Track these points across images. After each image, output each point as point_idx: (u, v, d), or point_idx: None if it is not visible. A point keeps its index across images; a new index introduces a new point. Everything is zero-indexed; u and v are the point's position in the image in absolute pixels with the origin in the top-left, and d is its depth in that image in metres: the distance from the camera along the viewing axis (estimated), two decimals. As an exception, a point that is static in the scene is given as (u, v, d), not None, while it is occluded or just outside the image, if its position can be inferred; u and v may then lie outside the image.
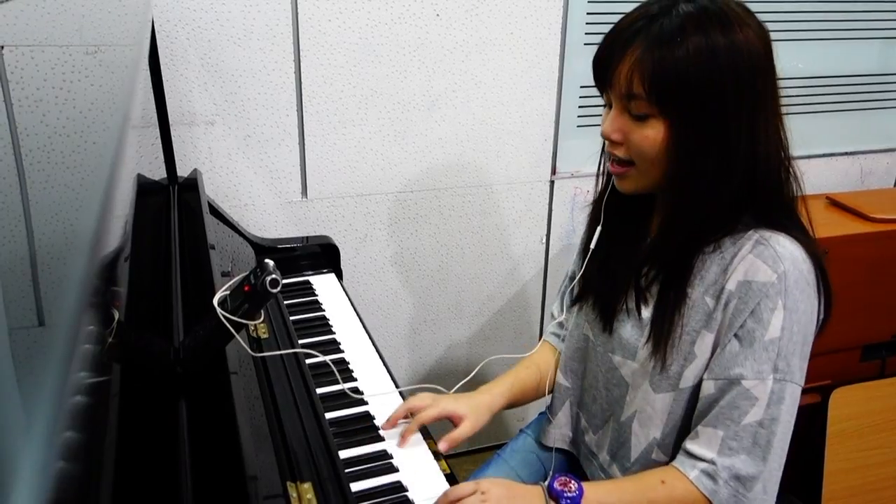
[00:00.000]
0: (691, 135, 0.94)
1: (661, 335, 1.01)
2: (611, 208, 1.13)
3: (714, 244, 0.99)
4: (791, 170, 1.01)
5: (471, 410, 1.15)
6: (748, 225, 0.98)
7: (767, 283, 0.94)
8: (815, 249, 0.99)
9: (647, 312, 1.05)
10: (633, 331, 1.08)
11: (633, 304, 1.07)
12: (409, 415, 1.16)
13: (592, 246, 1.15)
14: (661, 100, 0.93)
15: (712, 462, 0.97)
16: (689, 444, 1.00)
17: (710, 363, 0.99)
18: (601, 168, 1.14)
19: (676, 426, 1.05)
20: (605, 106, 1.03)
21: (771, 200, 0.99)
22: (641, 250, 1.09)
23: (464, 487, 1.00)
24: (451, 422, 1.16)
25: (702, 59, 0.91)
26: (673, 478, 0.99)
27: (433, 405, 1.15)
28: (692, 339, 1.00)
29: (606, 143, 1.02)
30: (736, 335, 0.96)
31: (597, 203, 1.16)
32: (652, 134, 0.95)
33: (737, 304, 0.96)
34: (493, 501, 0.97)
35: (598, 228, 1.14)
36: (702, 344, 1.00)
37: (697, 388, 1.02)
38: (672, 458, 1.06)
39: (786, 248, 0.95)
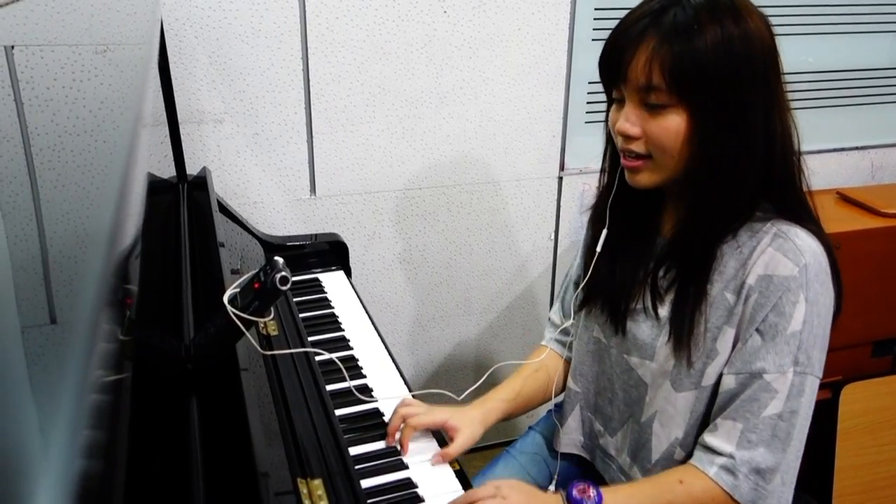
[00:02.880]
0: (711, 123, 0.94)
1: (683, 333, 1.01)
2: (617, 209, 1.11)
3: (731, 236, 0.98)
4: (799, 162, 1.01)
5: (465, 424, 1.13)
6: (765, 217, 0.98)
7: (789, 276, 0.94)
8: (829, 242, 0.99)
9: (663, 311, 1.04)
10: (650, 331, 1.07)
11: (649, 303, 1.06)
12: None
13: (599, 248, 1.13)
14: (680, 89, 0.93)
15: (731, 456, 0.96)
16: (708, 437, 0.99)
17: (731, 357, 0.99)
18: (604, 169, 1.12)
19: (698, 423, 1.04)
20: (613, 102, 1.02)
21: (785, 190, 0.99)
22: (654, 249, 1.08)
23: (485, 489, 0.99)
24: (445, 432, 1.14)
25: (719, 48, 0.91)
26: (691, 476, 0.99)
27: (427, 413, 1.13)
28: (714, 336, 1.00)
29: (619, 139, 1.00)
30: (758, 329, 0.96)
31: (599, 205, 1.15)
32: (672, 125, 0.95)
33: (757, 299, 0.96)
34: None
35: (604, 231, 1.12)
36: (723, 340, 0.99)
37: (719, 384, 1.01)
38: (692, 455, 1.05)
39: (805, 241, 0.95)
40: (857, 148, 2.40)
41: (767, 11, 1.00)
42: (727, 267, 0.99)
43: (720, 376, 1.00)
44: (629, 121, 0.97)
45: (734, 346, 0.99)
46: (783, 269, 0.94)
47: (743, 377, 0.97)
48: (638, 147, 0.98)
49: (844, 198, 2.17)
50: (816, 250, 0.96)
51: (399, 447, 1.11)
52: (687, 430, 1.05)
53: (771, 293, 0.95)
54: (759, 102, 0.94)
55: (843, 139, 2.37)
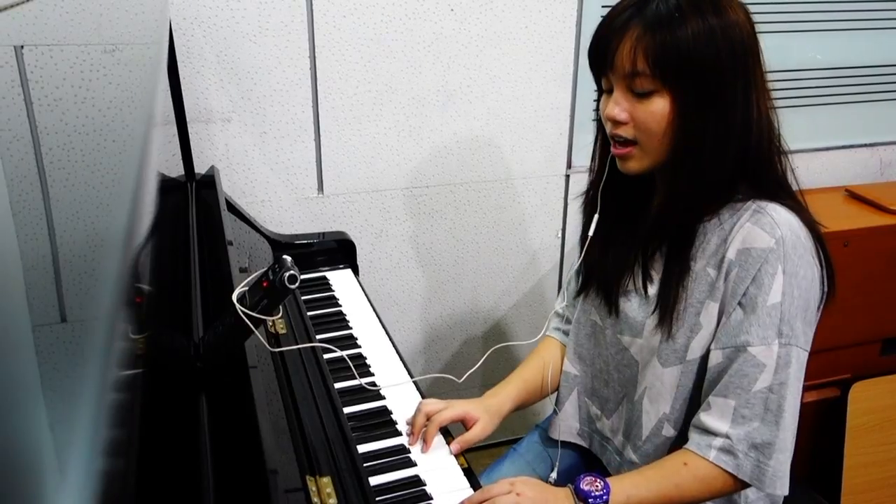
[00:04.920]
0: (693, 106, 0.98)
1: (667, 307, 1.04)
2: (608, 194, 1.14)
3: (713, 214, 1.02)
4: (779, 146, 1.04)
5: (483, 413, 1.16)
6: (746, 196, 1.02)
7: (766, 248, 0.97)
8: (810, 218, 1.02)
9: (653, 290, 1.08)
10: (639, 309, 1.10)
11: (640, 283, 1.09)
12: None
13: (591, 233, 1.17)
14: (664, 75, 0.97)
15: (727, 436, 0.99)
16: (703, 416, 1.01)
17: (717, 333, 1.01)
18: (595, 157, 1.17)
19: (685, 399, 1.07)
20: (603, 93, 1.06)
21: (763, 171, 1.02)
22: (644, 229, 1.11)
23: (499, 486, 1.01)
24: (463, 424, 1.17)
25: (701, 37, 0.95)
26: (695, 458, 1.01)
27: (449, 407, 1.15)
28: (697, 311, 1.03)
29: (609, 125, 1.04)
30: (740, 303, 0.99)
31: (591, 191, 1.18)
32: (658, 109, 0.99)
33: (738, 272, 0.99)
34: (528, 502, 0.98)
35: (595, 216, 1.16)
36: (707, 314, 1.02)
37: (705, 359, 1.03)
38: (681, 431, 1.07)
39: (781, 216, 0.99)
40: (865, 145, 2.38)
41: (776, 9, 1.01)
42: (709, 243, 1.02)
43: (706, 352, 1.03)
44: (618, 106, 1.02)
45: (718, 321, 1.01)
46: (760, 242, 0.97)
47: (729, 351, 1.00)
48: (626, 132, 1.03)
49: (853, 195, 2.16)
50: (793, 224, 0.99)
51: (422, 444, 1.12)
52: (674, 405, 1.07)
53: (750, 266, 0.98)
54: (738, 87, 0.98)
55: (852, 136, 2.36)
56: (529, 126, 1.99)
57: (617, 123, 1.03)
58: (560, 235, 2.15)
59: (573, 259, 2.15)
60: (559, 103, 1.99)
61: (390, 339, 1.41)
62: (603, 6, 1.93)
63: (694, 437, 1.03)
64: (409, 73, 1.83)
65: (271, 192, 1.84)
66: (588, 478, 1.00)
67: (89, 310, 0.39)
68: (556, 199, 2.10)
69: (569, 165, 2.07)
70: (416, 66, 1.83)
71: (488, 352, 1.36)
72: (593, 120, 2.03)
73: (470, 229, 2.05)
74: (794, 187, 1.05)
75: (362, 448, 1.10)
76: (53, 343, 0.39)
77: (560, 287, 2.21)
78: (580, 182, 2.09)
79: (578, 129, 2.04)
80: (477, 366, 1.28)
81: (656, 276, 1.08)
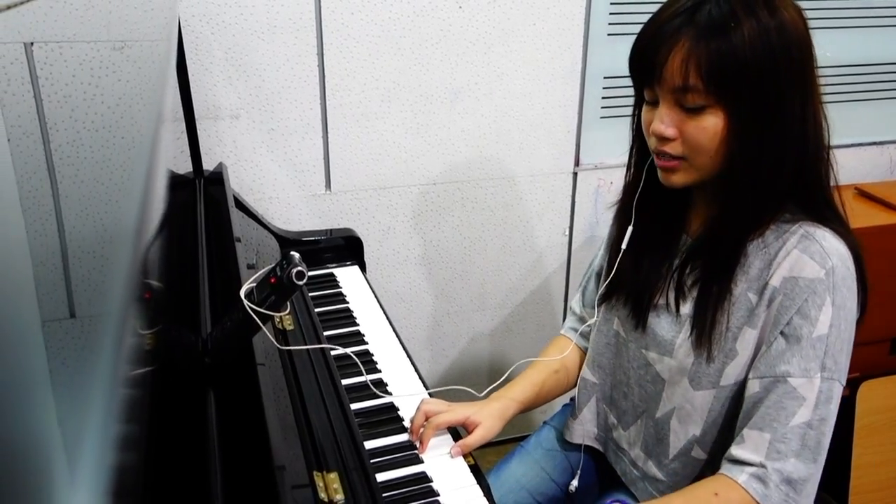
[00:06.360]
0: (750, 121, 0.92)
1: (704, 330, 0.99)
2: (643, 206, 1.10)
3: (759, 235, 0.97)
4: (827, 156, 0.99)
5: (484, 418, 1.14)
6: (793, 217, 0.97)
7: (815, 279, 0.92)
8: (855, 244, 0.97)
9: (685, 309, 1.04)
10: (669, 327, 1.06)
11: (672, 299, 1.05)
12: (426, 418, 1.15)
13: (624, 246, 1.12)
14: (718, 89, 0.90)
15: (761, 465, 0.94)
16: (736, 450, 0.96)
17: (756, 362, 0.97)
18: (630, 166, 1.12)
19: (717, 423, 1.03)
20: (645, 103, 1.00)
21: (814, 188, 0.98)
22: (679, 246, 1.07)
23: None
24: (464, 428, 1.15)
25: (757, 42, 0.89)
26: (726, 488, 0.95)
27: (450, 411, 1.14)
28: (734, 336, 0.99)
29: (653, 140, 0.98)
30: (782, 332, 0.94)
31: (625, 202, 1.14)
32: (710, 125, 0.93)
33: (782, 301, 0.94)
34: None
35: (630, 228, 1.11)
36: (743, 340, 0.98)
37: (738, 385, 1.00)
38: (711, 454, 1.04)
39: (831, 244, 0.94)
40: (875, 143, 2.37)
41: (785, 5, 0.98)
42: (752, 267, 0.98)
43: (743, 380, 0.99)
44: (664, 122, 0.95)
45: (756, 349, 0.98)
46: (809, 272, 0.93)
47: (767, 381, 0.95)
48: (673, 148, 0.96)
49: (863, 193, 2.15)
50: (843, 253, 0.94)
51: (419, 444, 1.11)
52: (704, 428, 1.04)
53: (796, 295, 0.93)
54: (796, 96, 0.92)
55: (862, 134, 2.35)
56: (537, 123, 1.99)
57: (664, 140, 0.96)
58: (567, 233, 2.14)
59: (581, 258, 2.16)
60: (567, 101, 1.99)
61: (397, 335, 1.41)
62: (612, 3, 1.92)
63: (726, 465, 0.98)
64: (416, 71, 1.83)
65: (279, 189, 1.84)
66: (616, 502, 0.98)
67: (98, 305, 0.40)
68: (564, 196, 2.10)
69: (576, 163, 2.07)
70: (424, 63, 1.83)
71: (513, 366, 1.33)
72: (601, 118, 2.02)
73: (477, 227, 2.04)
74: (832, 182, 1.00)
75: (369, 444, 1.10)
76: (62, 338, 0.39)
77: (567, 286, 2.21)
78: (588, 180, 2.09)
79: (586, 126, 2.03)
80: (498, 382, 1.27)
81: (691, 295, 1.03)
